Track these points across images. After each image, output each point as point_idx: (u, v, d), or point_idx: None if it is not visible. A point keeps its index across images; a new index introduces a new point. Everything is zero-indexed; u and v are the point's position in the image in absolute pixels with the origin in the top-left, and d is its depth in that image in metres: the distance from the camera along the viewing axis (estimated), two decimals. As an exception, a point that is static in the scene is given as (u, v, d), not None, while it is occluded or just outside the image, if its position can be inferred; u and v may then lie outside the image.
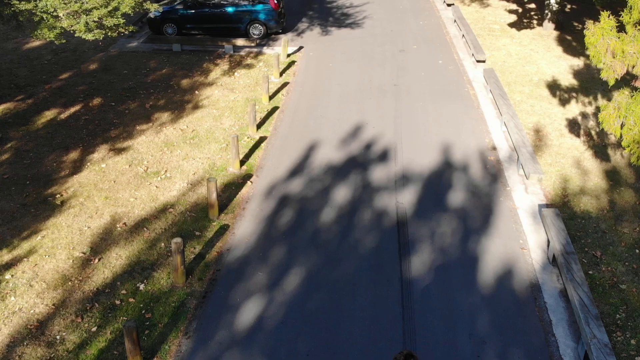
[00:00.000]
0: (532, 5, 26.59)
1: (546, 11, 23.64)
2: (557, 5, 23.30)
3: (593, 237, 11.93)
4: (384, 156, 14.69)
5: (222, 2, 22.33)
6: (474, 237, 11.88)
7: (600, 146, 15.20)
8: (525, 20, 25.02)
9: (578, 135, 15.74)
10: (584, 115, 16.76)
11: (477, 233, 11.98)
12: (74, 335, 9.57)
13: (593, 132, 15.87)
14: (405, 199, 13.00)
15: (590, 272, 10.98)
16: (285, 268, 11.00)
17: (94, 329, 9.71)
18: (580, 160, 14.58)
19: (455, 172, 14.04)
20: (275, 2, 22.27)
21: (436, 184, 13.59)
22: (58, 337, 9.54)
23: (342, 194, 13.17)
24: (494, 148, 15.19)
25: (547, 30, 23.60)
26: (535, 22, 24.69)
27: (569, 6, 26.65)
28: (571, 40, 22.69)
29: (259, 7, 22.25)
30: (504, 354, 9.31)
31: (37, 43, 21.89)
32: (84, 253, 11.32)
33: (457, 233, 11.98)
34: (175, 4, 22.40)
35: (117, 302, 10.26)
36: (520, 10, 26.37)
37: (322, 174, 13.89)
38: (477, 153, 14.88)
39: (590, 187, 13.55)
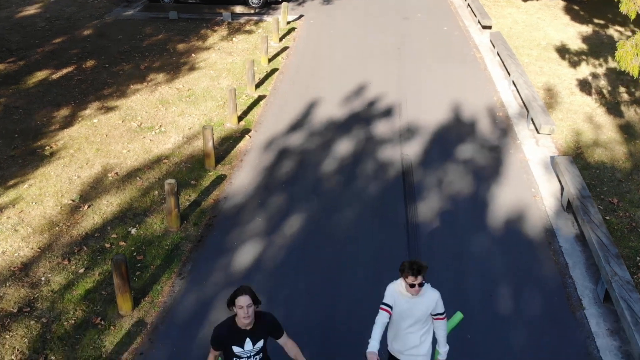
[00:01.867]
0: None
1: (553, -18, 23.07)
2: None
3: (609, 186, 11.34)
4: (387, 112, 14.09)
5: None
6: (483, 185, 11.29)
7: (612, 103, 14.61)
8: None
9: (589, 94, 15.14)
10: (595, 76, 16.18)
11: (486, 182, 11.39)
12: (59, 277, 8.97)
13: (605, 91, 15.27)
14: (410, 151, 12.41)
15: (607, 218, 10.38)
16: (285, 214, 10.41)
17: (81, 270, 9.12)
18: (592, 116, 13.99)
19: (462, 126, 13.45)
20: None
21: (443, 137, 12.99)
22: (43, 278, 8.94)
23: (344, 146, 12.58)
24: (503, 105, 14.60)
25: (554, 1, 23.03)
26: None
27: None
28: (579, 9, 22.12)
29: (258, -25, 21.69)
30: (519, 294, 8.72)
31: (31, 11, 21.31)
32: (73, 200, 10.73)
33: (465, 182, 11.38)
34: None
35: (107, 245, 9.67)
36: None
37: (324, 129, 13.30)
38: (485, 109, 14.29)
39: (603, 139, 12.96)
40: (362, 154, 12.27)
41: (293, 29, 20.13)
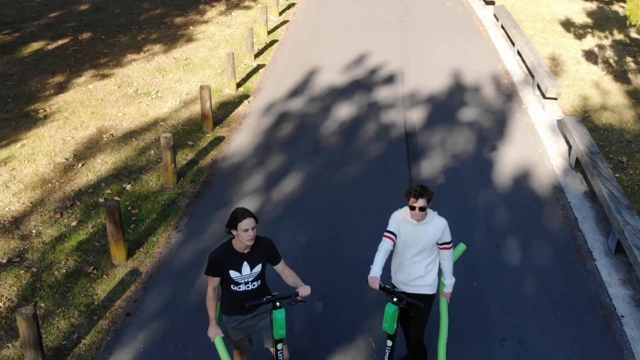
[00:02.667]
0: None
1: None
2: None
3: (617, 146, 11.04)
4: (390, 79, 13.79)
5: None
6: (487, 146, 10.99)
7: (619, 71, 14.31)
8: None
9: (596, 63, 14.84)
10: (601, 47, 15.87)
11: (491, 142, 11.10)
12: (51, 230, 8.66)
13: (611, 60, 14.96)
14: (413, 115, 12.10)
15: (617, 175, 10.07)
16: (285, 172, 10.11)
17: (73, 223, 8.81)
18: (599, 83, 13.68)
19: (466, 92, 13.15)
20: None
21: (446, 102, 12.69)
22: (34, 231, 8.63)
23: (345, 110, 12.28)
24: (507, 73, 14.30)
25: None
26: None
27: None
28: (582, -12, 21.77)
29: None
30: (526, 246, 8.42)
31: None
32: (67, 159, 10.42)
33: (470, 143, 11.09)
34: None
35: (101, 200, 9.36)
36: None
37: (325, 95, 12.99)
38: (489, 77, 13.99)
39: (611, 104, 12.65)
40: (364, 118, 11.96)
41: (293, 4, 19.82)
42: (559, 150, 10.93)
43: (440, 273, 5.87)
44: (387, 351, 5.45)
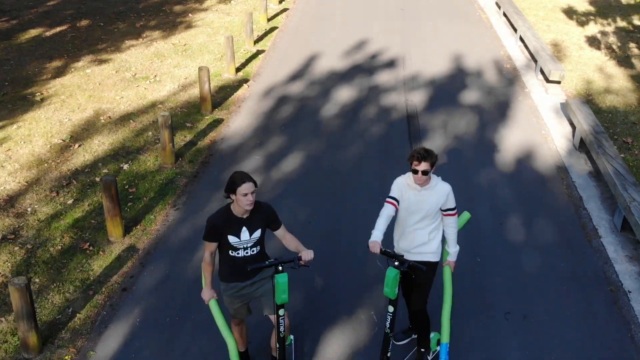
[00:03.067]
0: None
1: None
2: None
3: (622, 127, 10.89)
4: (391, 64, 13.63)
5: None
6: (490, 127, 10.84)
7: (623, 57, 14.15)
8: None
9: (599, 49, 14.68)
10: (604, 33, 15.71)
11: (494, 124, 10.95)
12: (47, 208, 8.51)
13: (615, 47, 14.80)
14: (415, 98, 11.95)
15: (623, 155, 9.91)
16: (285, 153, 9.96)
17: (69, 201, 8.66)
18: (602, 67, 13.53)
19: (468, 76, 12.99)
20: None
21: (448, 85, 12.54)
22: (29, 209, 8.48)
23: (346, 93, 12.13)
24: (510, 59, 14.15)
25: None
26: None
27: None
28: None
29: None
30: (530, 223, 8.26)
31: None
32: (64, 140, 10.28)
33: (472, 124, 10.94)
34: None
35: (98, 179, 9.19)
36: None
37: (325, 79, 12.84)
38: (492, 62, 13.83)
39: (615, 87, 12.50)
40: (365, 100, 11.81)
41: (293, -8, 19.67)
42: (562, 132, 10.78)
43: (444, 241, 5.71)
44: (389, 317, 5.30)
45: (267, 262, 5.09)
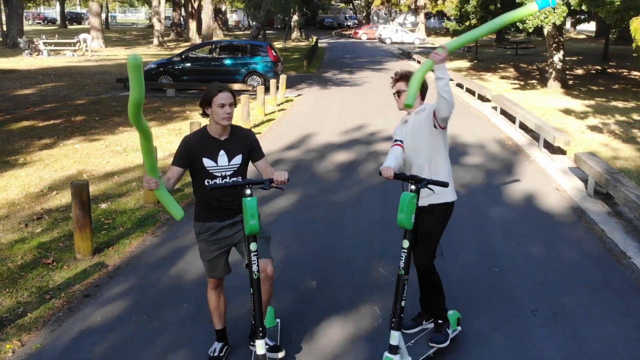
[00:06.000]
0: (536, 75, 26.27)
1: (550, 70, 23.09)
2: (561, 64, 22.81)
3: (637, 181, 10.23)
4: (389, 138, 13.20)
5: (219, 54, 21.92)
6: (497, 179, 10.27)
7: (627, 138, 13.80)
8: (530, 82, 24.55)
9: (601, 132, 14.39)
10: (604, 124, 15.51)
11: (501, 177, 10.38)
12: (12, 235, 7.68)
13: (618, 132, 14.51)
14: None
15: (642, 198, 9.16)
16: (276, 195, 9.23)
17: (38, 230, 7.84)
18: (607, 144, 13.14)
19: (470, 149, 12.55)
20: (274, 54, 21.80)
21: (450, 151, 12.00)
22: (-8, 236, 7.63)
23: (343, 156, 11.64)
24: (510, 139, 13.80)
25: (553, 89, 22.87)
26: (539, 85, 24.12)
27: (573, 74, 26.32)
28: (578, 93, 21.91)
29: (258, 59, 21.76)
30: (552, 246, 7.41)
31: (26, 92, 21.09)
32: (41, 190, 9.60)
33: (478, 178, 10.34)
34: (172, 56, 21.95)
35: (71, 214, 8.39)
36: (522, 83, 25.81)
37: (322, 148, 12.43)
38: (493, 140, 13.49)
39: (623, 156, 12.02)
40: (363, 160, 11.29)
41: (291, 100, 19.82)
42: (574, 185, 10.14)
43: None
44: (403, 254, 4.40)
45: (231, 181, 4.31)
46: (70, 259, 6.91)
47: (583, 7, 16.85)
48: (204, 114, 4.42)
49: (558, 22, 18.13)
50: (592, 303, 5.92)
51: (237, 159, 4.47)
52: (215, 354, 4.76)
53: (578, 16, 35.37)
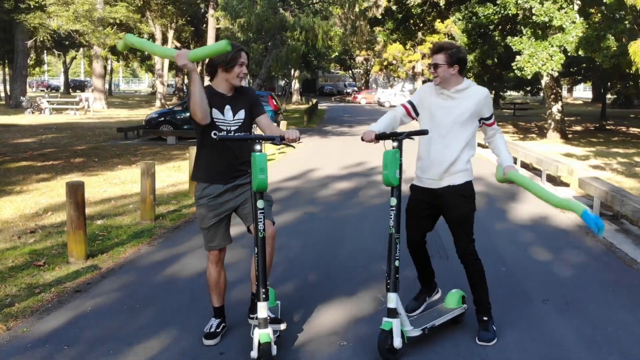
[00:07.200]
0: (535, 130, 26.42)
1: (549, 120, 23.24)
2: (560, 114, 22.98)
3: (643, 204, 10.06)
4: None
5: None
6: (501, 203, 10.08)
7: (630, 174, 13.71)
8: (529, 135, 24.66)
9: (604, 170, 14.30)
10: (607, 164, 15.45)
11: (505, 202, 10.20)
12: (3, 244, 7.46)
13: (620, 170, 14.44)
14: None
15: (649, 217, 8.98)
16: (276, 212, 9.04)
17: (30, 241, 7.62)
18: (611, 178, 13.01)
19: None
20: (275, 103, 21.97)
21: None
22: (-17, 245, 7.41)
23: (343, 185, 11.50)
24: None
25: (553, 139, 22.97)
26: (538, 137, 24.22)
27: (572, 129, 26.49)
28: (577, 143, 21.98)
29: (258, 108, 21.89)
30: (559, 253, 7.20)
31: (26, 140, 21.12)
32: (36, 212, 9.42)
33: (481, 202, 10.15)
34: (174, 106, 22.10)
35: (65, 229, 8.19)
36: (522, 136, 25.95)
37: (322, 179, 12.30)
38: (490, 173, 13.34)
39: (627, 187, 11.88)
40: (363, 187, 11.12)
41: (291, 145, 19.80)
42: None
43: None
44: (392, 213, 4.22)
45: (242, 134, 4.22)
46: (63, 263, 6.67)
47: (580, 52, 17.05)
48: (213, 74, 4.35)
49: (557, 68, 18.32)
50: (604, 296, 5.69)
51: (241, 114, 4.40)
52: (212, 330, 4.52)
53: (575, 76, 36.02)
